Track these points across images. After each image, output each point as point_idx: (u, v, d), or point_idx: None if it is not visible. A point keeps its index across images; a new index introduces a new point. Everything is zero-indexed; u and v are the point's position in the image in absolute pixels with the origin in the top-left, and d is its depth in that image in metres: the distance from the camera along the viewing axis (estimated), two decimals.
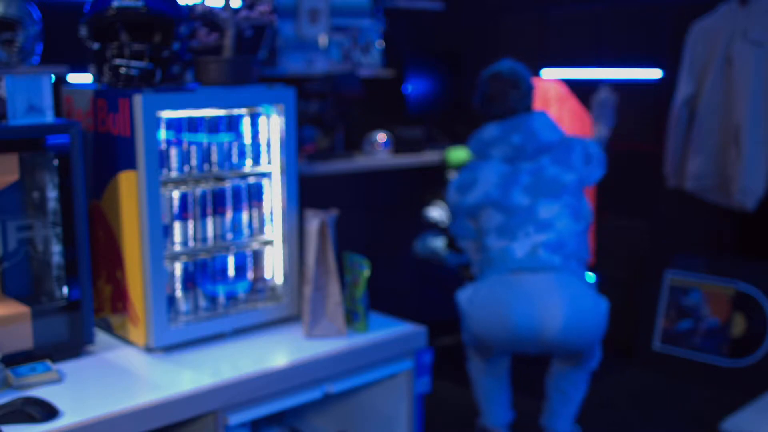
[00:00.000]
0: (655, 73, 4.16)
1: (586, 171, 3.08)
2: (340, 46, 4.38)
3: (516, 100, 3.09)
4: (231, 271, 2.25)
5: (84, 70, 2.22)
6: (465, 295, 3.04)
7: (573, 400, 3.11)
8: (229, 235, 2.24)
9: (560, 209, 2.96)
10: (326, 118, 4.11)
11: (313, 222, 2.19)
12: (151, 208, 2.03)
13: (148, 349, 2.10)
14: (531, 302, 2.84)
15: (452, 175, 3.16)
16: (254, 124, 2.25)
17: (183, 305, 2.18)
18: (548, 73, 4.31)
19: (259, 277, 2.31)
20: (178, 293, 2.18)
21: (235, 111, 2.22)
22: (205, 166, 2.18)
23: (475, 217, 3.04)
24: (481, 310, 2.94)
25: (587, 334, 2.90)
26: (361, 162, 4.04)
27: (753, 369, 3.83)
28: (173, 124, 2.11)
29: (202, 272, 2.20)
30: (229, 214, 2.23)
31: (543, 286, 2.87)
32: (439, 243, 3.99)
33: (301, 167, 3.43)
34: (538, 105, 3.72)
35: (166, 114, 2.08)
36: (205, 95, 2.13)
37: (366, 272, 2.23)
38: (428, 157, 4.30)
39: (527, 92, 3.11)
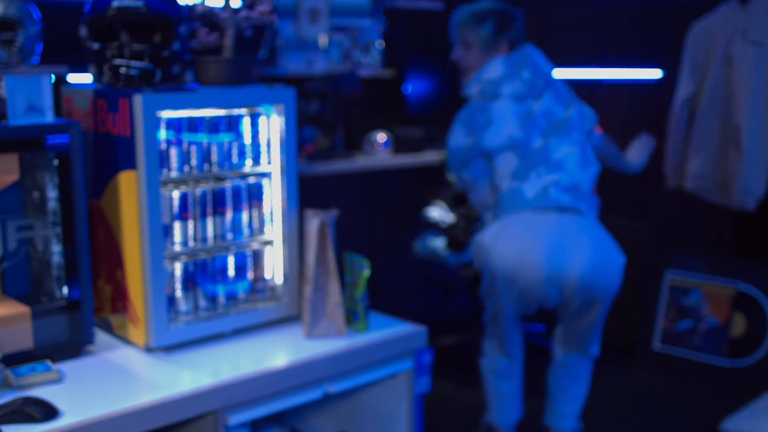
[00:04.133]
0: (655, 73, 4.17)
1: (580, 104, 3.04)
2: (340, 46, 4.38)
3: (519, 31, 3.05)
4: (231, 271, 2.25)
5: (84, 70, 2.22)
6: (488, 235, 2.94)
7: (576, 396, 3.10)
8: (229, 235, 2.24)
9: (570, 148, 2.92)
10: (326, 118, 4.12)
11: (313, 222, 2.20)
12: (151, 208, 2.03)
13: (148, 349, 2.10)
14: (557, 240, 2.80)
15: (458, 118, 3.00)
16: (254, 124, 2.25)
17: (183, 305, 2.18)
18: None
19: (259, 277, 2.31)
20: (178, 293, 2.18)
21: (235, 111, 2.22)
22: (205, 166, 2.18)
23: (490, 159, 2.95)
24: (507, 245, 2.85)
25: (607, 280, 2.86)
26: (361, 162, 4.05)
27: (753, 369, 3.83)
28: (173, 124, 2.11)
29: (202, 272, 2.20)
30: (229, 214, 2.23)
31: (568, 226, 2.83)
32: (439, 243, 3.99)
33: (301, 167, 3.43)
34: None
35: (166, 114, 2.08)
36: (205, 95, 2.13)
37: (366, 272, 2.23)
38: (428, 157, 4.31)
39: (522, 24, 3.09)
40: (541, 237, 2.81)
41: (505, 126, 2.90)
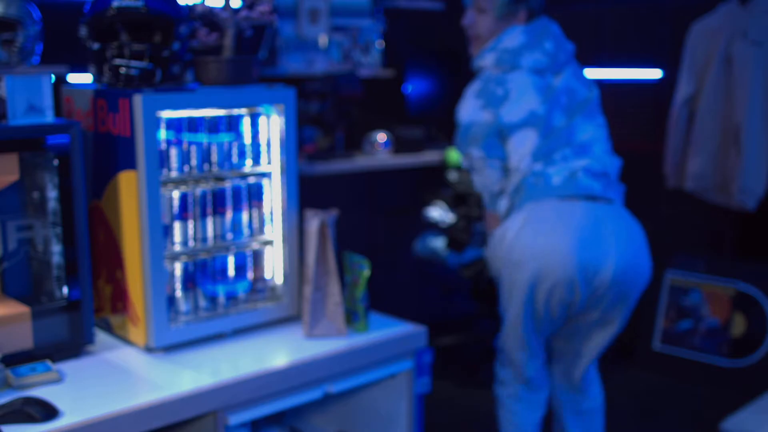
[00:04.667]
0: (655, 73, 4.17)
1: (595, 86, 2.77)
2: (340, 46, 4.38)
3: (540, 1, 2.77)
4: (231, 271, 2.25)
5: (84, 70, 2.22)
6: (511, 226, 2.60)
7: (595, 412, 2.80)
8: (229, 235, 2.24)
9: (595, 131, 2.66)
10: (326, 118, 4.12)
11: (313, 222, 2.19)
12: (151, 208, 2.03)
13: (148, 349, 2.10)
14: (590, 231, 2.51)
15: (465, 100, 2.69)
16: (254, 124, 2.25)
17: (183, 305, 2.18)
18: None
19: (259, 277, 2.31)
20: (178, 293, 2.18)
21: (235, 111, 2.22)
22: (205, 166, 2.18)
23: (506, 137, 2.63)
24: (535, 238, 2.53)
25: (640, 273, 2.59)
26: (361, 162, 4.04)
27: (753, 369, 3.83)
28: (173, 124, 2.11)
29: (202, 272, 2.20)
30: (229, 214, 2.23)
31: (600, 215, 2.55)
32: (439, 243, 3.99)
33: (301, 167, 3.43)
34: None
35: (166, 114, 2.08)
36: (205, 95, 2.13)
37: (366, 272, 2.23)
38: (428, 157, 4.31)
39: None
40: (572, 227, 2.51)
41: (526, 100, 2.61)
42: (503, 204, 2.68)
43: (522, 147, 2.60)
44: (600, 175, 2.61)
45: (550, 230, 2.53)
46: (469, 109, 2.67)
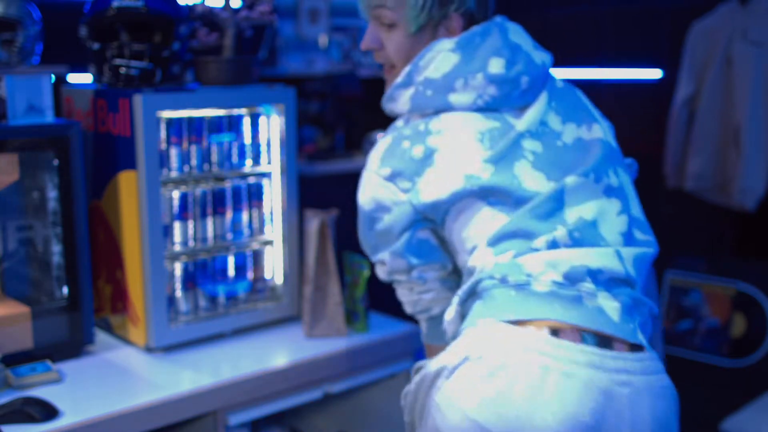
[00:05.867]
0: (655, 73, 4.16)
1: (608, 124, 1.71)
2: (340, 46, 4.38)
3: None
4: (231, 271, 2.25)
5: (84, 70, 2.22)
6: (456, 375, 1.42)
7: None
8: (229, 235, 2.24)
9: (603, 204, 1.54)
10: (326, 118, 4.11)
11: (313, 222, 2.19)
12: (151, 208, 2.03)
13: (148, 349, 2.10)
14: (593, 418, 1.37)
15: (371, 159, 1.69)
16: (254, 124, 2.25)
17: (183, 305, 2.18)
18: None
19: (259, 277, 2.31)
20: (178, 293, 2.17)
21: (235, 111, 2.22)
22: (205, 166, 2.18)
23: (439, 224, 1.60)
24: (495, 405, 1.37)
25: None
26: (361, 162, 4.04)
27: (753, 369, 3.83)
28: (173, 124, 2.11)
29: (202, 272, 2.20)
30: (229, 214, 2.23)
31: (616, 395, 1.40)
32: None
33: (301, 167, 3.43)
34: None
35: (166, 114, 2.08)
36: (205, 95, 2.13)
37: (366, 272, 2.23)
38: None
39: None
40: (563, 409, 1.35)
41: (462, 159, 1.53)
42: (450, 327, 1.57)
43: (473, 229, 1.54)
44: (618, 285, 1.47)
45: (525, 398, 1.36)
46: (373, 185, 1.62)
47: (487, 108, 1.58)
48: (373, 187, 1.63)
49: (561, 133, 1.60)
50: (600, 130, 1.63)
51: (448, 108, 1.59)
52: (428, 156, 1.56)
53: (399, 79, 1.64)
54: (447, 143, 1.56)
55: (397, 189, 1.59)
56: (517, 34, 1.69)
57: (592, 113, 1.68)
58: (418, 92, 1.61)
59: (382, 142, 1.65)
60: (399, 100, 1.64)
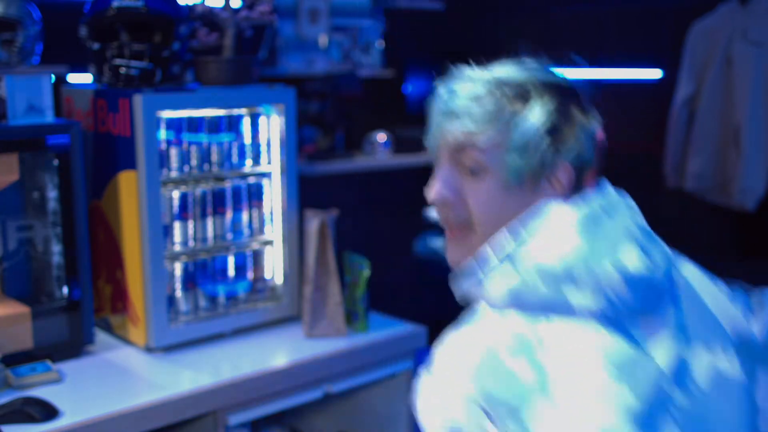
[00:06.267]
0: (655, 73, 4.16)
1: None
2: (340, 46, 4.37)
3: (588, 139, 1.24)
4: (231, 271, 2.25)
5: (84, 70, 2.22)
6: None
7: None
8: (229, 235, 2.24)
9: None
10: (326, 118, 4.11)
11: (313, 222, 2.19)
12: (151, 208, 2.03)
13: (148, 349, 2.10)
14: None
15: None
16: (254, 124, 2.25)
17: (183, 305, 2.18)
18: None
19: (259, 277, 2.31)
20: (178, 293, 2.17)
21: (235, 111, 2.22)
22: (205, 166, 2.18)
23: None
24: None
25: None
26: (361, 162, 4.04)
27: None
28: (173, 124, 2.11)
29: (202, 272, 2.20)
30: (229, 214, 2.23)
31: None
32: (439, 243, 3.99)
33: (301, 167, 3.43)
34: None
35: (166, 114, 2.08)
36: (205, 95, 2.13)
37: (366, 272, 2.23)
38: (428, 157, 4.30)
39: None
40: None
41: (593, 399, 1.03)
42: None
43: None
44: None
45: None
46: (451, 406, 1.08)
47: (609, 317, 1.09)
48: (450, 408, 1.07)
49: (695, 370, 1.12)
50: (735, 355, 1.16)
51: (568, 311, 1.08)
52: (542, 383, 1.03)
53: (492, 257, 1.13)
54: (566, 368, 1.04)
55: (489, 423, 1.04)
56: (633, 205, 1.26)
57: (716, 317, 1.25)
58: (526, 285, 1.09)
59: (467, 346, 1.11)
60: (489, 288, 1.13)
